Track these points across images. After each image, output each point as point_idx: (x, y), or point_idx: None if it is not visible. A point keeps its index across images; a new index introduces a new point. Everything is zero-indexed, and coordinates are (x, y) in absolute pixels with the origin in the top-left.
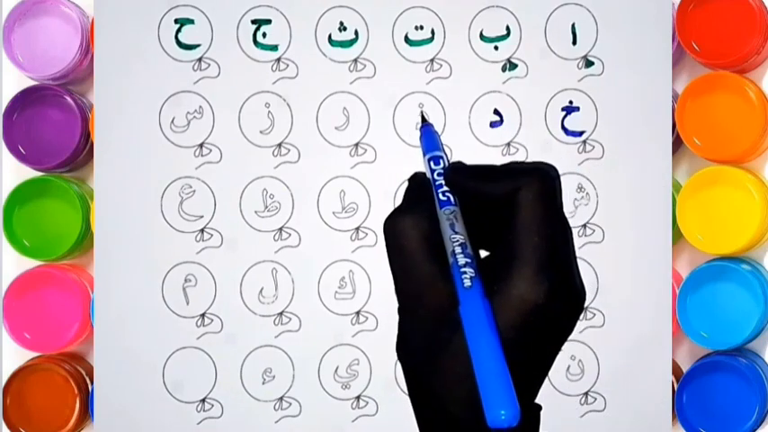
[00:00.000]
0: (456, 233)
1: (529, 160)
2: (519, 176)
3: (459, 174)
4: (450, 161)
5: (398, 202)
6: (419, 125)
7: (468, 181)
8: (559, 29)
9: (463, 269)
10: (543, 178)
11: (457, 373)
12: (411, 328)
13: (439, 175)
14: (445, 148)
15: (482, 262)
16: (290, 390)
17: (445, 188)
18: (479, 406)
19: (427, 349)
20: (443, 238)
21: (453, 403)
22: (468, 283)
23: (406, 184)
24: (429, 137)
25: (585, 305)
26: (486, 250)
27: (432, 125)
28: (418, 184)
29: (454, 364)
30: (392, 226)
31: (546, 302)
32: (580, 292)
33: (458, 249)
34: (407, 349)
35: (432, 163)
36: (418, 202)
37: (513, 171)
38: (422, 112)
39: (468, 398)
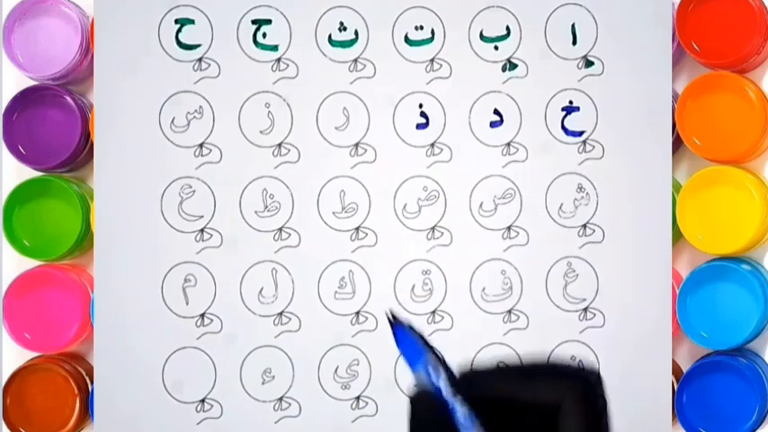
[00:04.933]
0: None
1: (528, 161)
2: (557, 384)
3: (477, 383)
4: (450, 366)
5: (399, 201)
6: (391, 325)
7: (493, 388)
8: (559, 29)
9: None
10: (586, 388)
11: None
12: None
13: (450, 392)
14: (444, 149)
15: None
16: (290, 390)
17: (463, 409)
18: None
19: None
20: None
21: None
22: None
23: (408, 409)
24: (407, 345)
25: (585, 305)
26: None
27: (403, 324)
28: (425, 408)
29: None
30: None
31: None
32: None
33: None
34: None
35: (431, 377)
36: None
37: (547, 375)
38: (389, 314)
39: None
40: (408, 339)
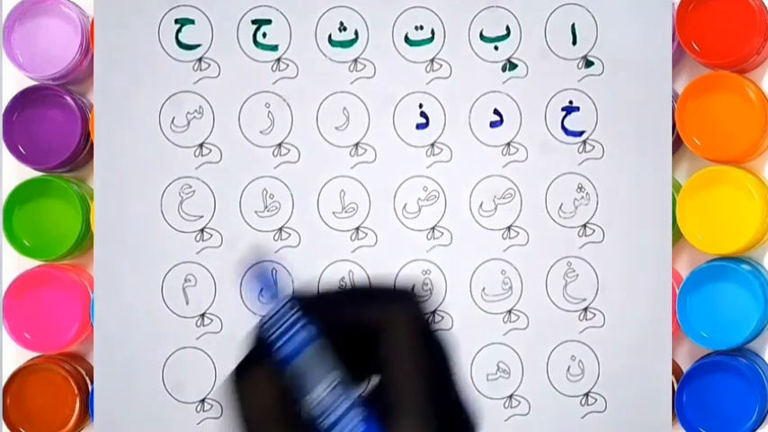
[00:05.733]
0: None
1: (528, 161)
2: (379, 308)
3: (317, 306)
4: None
5: (399, 201)
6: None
7: (329, 312)
8: (559, 29)
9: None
10: (407, 310)
11: None
12: None
13: (291, 314)
14: (444, 149)
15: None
16: None
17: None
18: None
19: None
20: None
21: None
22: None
23: (251, 339)
24: (264, 280)
25: (585, 305)
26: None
27: (262, 268)
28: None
29: None
30: (239, 385)
31: None
32: (469, 422)
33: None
34: None
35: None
36: (269, 352)
37: (372, 300)
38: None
39: None
40: (264, 276)
